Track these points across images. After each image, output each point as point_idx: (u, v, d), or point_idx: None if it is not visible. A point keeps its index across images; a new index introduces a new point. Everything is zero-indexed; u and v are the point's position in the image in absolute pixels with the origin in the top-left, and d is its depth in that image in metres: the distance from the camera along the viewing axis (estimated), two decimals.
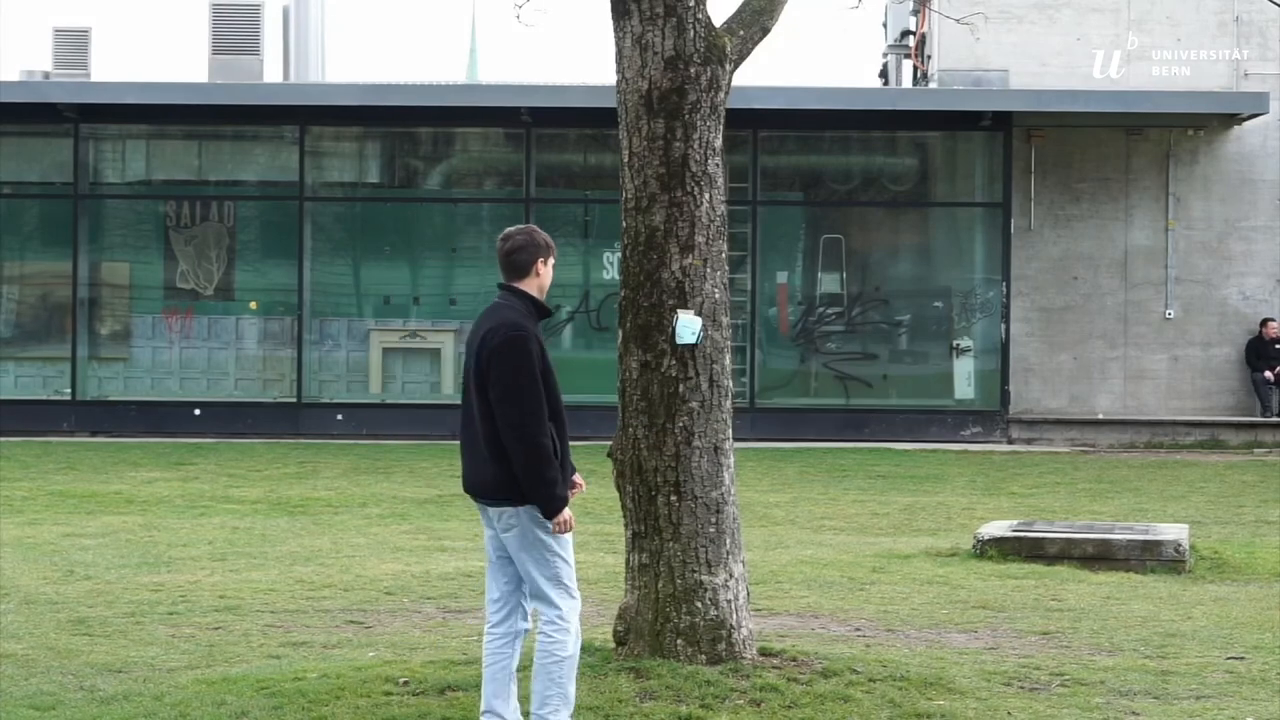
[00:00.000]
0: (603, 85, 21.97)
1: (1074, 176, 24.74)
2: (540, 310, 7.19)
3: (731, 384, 8.23)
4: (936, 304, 24.65)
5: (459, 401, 7.34)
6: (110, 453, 21.23)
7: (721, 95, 8.16)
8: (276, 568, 12.21)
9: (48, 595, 10.92)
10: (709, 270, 8.06)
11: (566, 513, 6.99)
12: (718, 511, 8.02)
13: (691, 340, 7.52)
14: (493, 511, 7.10)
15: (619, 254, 8.28)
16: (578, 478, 7.24)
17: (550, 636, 7.07)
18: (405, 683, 7.89)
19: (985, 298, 24.32)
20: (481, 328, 7.10)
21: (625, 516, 8.17)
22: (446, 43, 66.77)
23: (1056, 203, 24.72)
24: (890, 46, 31.01)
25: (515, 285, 7.17)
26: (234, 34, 25.19)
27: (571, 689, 7.12)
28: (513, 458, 6.93)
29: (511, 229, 7.30)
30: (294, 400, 24.38)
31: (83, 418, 24.13)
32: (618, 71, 8.18)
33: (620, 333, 8.18)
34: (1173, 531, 12.79)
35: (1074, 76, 24.44)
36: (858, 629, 9.92)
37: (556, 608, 7.07)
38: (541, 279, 7.18)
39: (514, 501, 7.00)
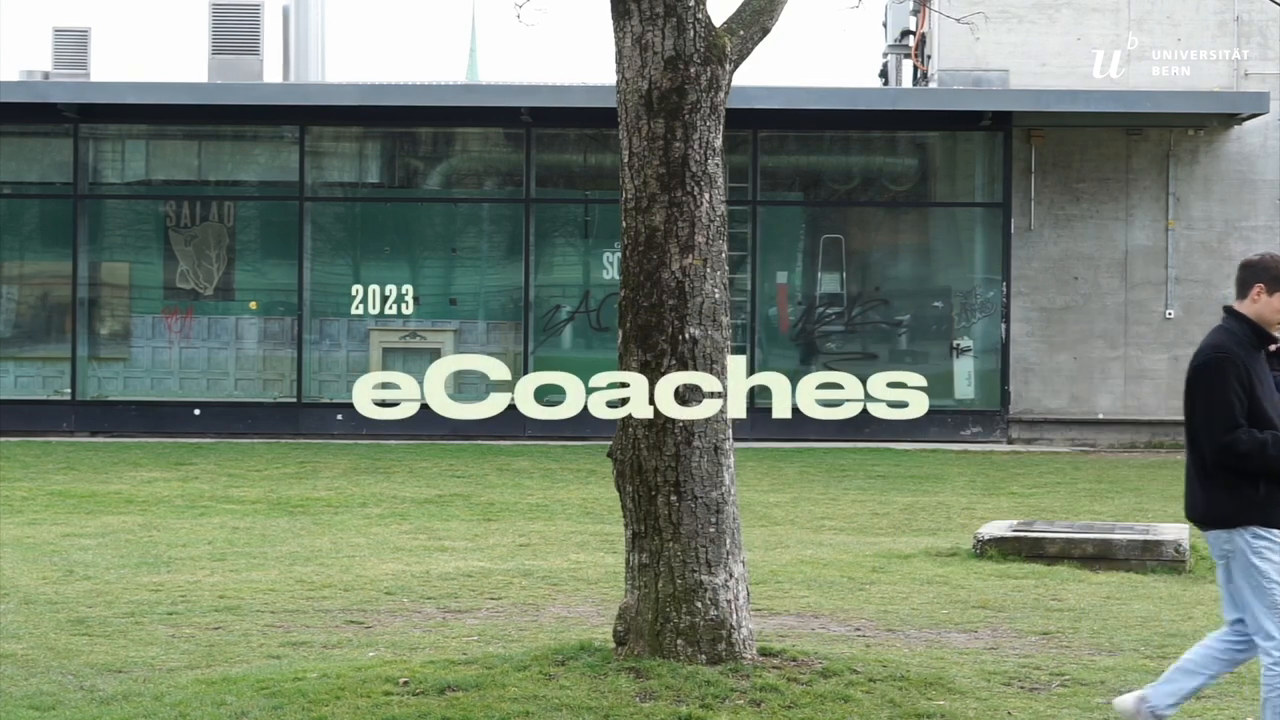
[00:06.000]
0: (603, 85, 21.96)
1: (1074, 176, 24.73)
2: (1258, 334, 7.07)
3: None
4: (936, 304, 24.65)
5: None
6: (110, 453, 21.23)
7: (721, 95, 8.15)
8: (276, 568, 12.20)
9: (47, 595, 10.91)
10: (709, 270, 8.06)
11: None
12: (718, 511, 8.02)
13: None
14: (1209, 537, 7.15)
15: (619, 254, 8.28)
16: None
17: (1272, 670, 6.88)
18: (405, 683, 7.89)
19: (985, 298, 24.31)
20: None
21: (625, 516, 8.17)
22: (446, 43, 66.80)
23: (1056, 203, 24.72)
24: (890, 46, 31.01)
25: (1234, 306, 7.17)
26: (234, 34, 25.19)
27: None
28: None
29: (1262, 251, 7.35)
30: (294, 400, 24.37)
31: (83, 418, 24.14)
32: (618, 71, 8.18)
33: (620, 333, 8.18)
34: (1173, 531, 12.79)
35: (1074, 76, 24.43)
36: (858, 629, 9.92)
37: (1274, 638, 6.89)
38: (1258, 305, 7.07)
39: (1224, 525, 7.05)
